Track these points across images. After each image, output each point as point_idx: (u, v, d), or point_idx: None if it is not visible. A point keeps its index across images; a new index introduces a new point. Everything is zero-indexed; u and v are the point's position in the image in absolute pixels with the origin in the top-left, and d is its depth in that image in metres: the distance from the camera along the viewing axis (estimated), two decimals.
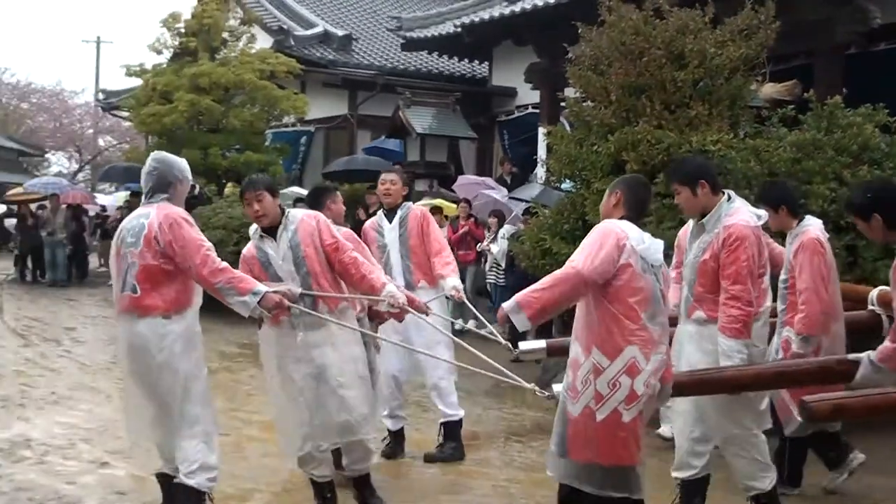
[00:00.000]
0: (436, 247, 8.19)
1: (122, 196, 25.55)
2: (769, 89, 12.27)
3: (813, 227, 6.91)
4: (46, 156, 58.71)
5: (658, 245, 5.37)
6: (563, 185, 12.21)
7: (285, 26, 25.78)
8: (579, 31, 11.53)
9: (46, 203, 24.41)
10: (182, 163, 6.26)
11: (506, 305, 5.24)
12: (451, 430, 8.23)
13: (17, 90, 60.31)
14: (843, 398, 5.49)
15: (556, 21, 17.63)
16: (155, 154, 6.31)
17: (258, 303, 5.75)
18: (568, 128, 12.84)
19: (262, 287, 5.82)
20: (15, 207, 27.23)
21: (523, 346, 6.58)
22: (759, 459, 6.14)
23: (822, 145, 9.42)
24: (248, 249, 6.47)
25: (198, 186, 20.29)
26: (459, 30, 22.48)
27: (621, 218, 5.36)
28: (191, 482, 5.89)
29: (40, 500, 6.81)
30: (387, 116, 23.95)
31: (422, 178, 22.58)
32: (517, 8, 21.25)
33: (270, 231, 6.37)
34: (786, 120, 10.25)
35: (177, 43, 22.94)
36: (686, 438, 6.33)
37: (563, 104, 13.30)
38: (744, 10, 10.85)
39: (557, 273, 5.23)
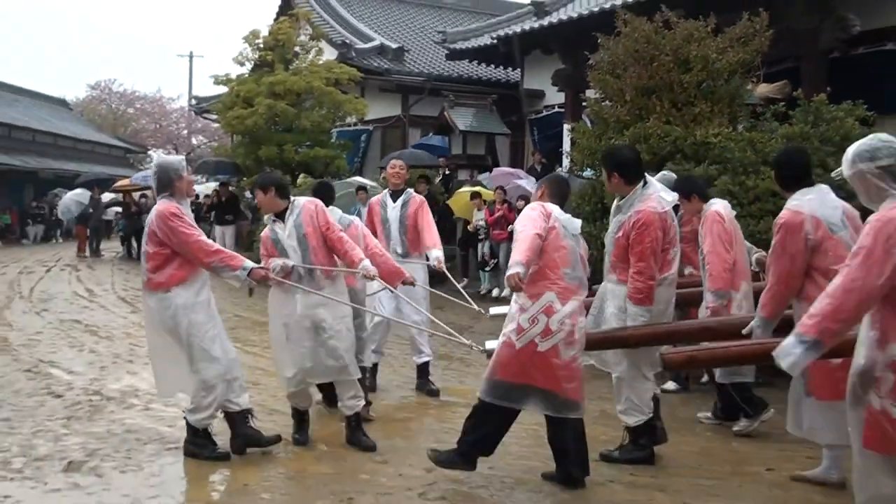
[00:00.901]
0: (426, 227, 8.76)
1: (212, 185, 25.63)
2: (763, 89, 12.18)
3: (716, 205, 7.31)
4: (149, 153, 59.22)
5: (576, 222, 6.01)
6: (585, 174, 12.08)
7: (347, 41, 25.72)
8: (598, 40, 11.48)
9: (148, 193, 24.57)
10: (177, 162, 6.57)
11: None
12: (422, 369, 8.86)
13: (123, 97, 61.15)
14: (694, 351, 6.10)
15: (578, 32, 17.48)
16: (156, 159, 6.67)
17: (248, 275, 6.30)
18: (589, 124, 12.76)
19: (249, 263, 6.36)
20: (121, 196, 27.42)
21: (493, 310, 6.91)
22: (634, 401, 6.37)
23: (809, 137, 9.34)
24: (265, 231, 6.90)
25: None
26: (495, 41, 22.41)
27: None
28: (188, 418, 6.46)
29: (146, 440, 6.86)
30: (434, 116, 23.89)
31: (464, 168, 22.58)
32: (545, 22, 21.16)
33: (280, 215, 6.74)
34: (777, 115, 10.19)
35: (256, 56, 22.99)
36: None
37: (584, 104, 13.21)
38: (741, 21, 10.80)
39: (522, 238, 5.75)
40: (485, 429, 5.87)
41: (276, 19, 25.67)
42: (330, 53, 24.08)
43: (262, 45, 22.79)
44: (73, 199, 27.90)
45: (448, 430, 7.12)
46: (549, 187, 6.21)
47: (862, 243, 4.04)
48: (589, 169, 11.82)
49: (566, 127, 19.49)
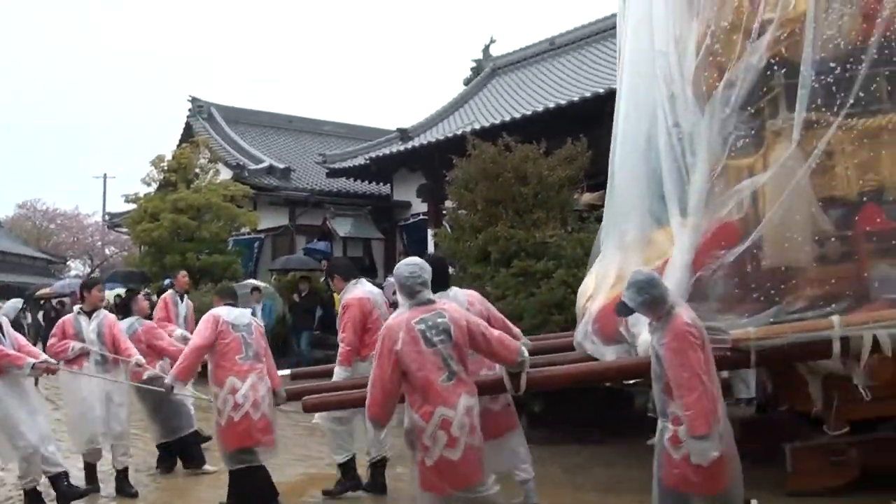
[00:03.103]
0: None
1: (112, 293, 24.91)
2: (587, 198, 12.51)
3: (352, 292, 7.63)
4: (67, 263, 57.86)
5: (244, 316, 6.71)
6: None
7: (241, 162, 25.62)
8: (453, 160, 11.66)
9: (66, 299, 23.78)
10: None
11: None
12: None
13: (46, 215, 59.49)
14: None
15: (437, 154, 17.90)
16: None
17: (32, 367, 6.79)
18: (449, 229, 12.94)
19: (31, 360, 6.82)
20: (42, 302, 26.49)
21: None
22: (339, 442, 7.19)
23: None
24: (68, 318, 7.81)
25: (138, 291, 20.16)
26: (368, 162, 22.68)
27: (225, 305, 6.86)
28: (19, 483, 7.10)
29: None
30: (317, 225, 23.96)
31: None
32: (409, 146, 21.61)
33: (89, 313, 7.77)
34: (598, 218, 10.32)
35: (161, 177, 22.64)
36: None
37: (444, 212, 13.41)
38: (566, 145, 11.12)
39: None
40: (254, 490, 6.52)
41: (178, 145, 25.38)
42: (226, 173, 23.90)
43: (166, 168, 22.45)
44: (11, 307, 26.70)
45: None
46: (338, 272, 7.59)
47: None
48: (450, 267, 11.95)
49: (430, 232, 19.78)
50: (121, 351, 7.67)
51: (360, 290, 7.25)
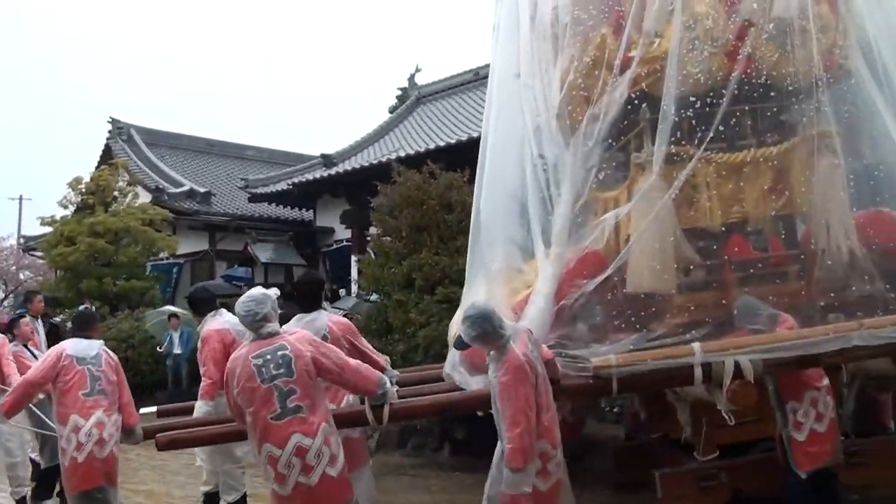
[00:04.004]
0: None
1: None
2: None
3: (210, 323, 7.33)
4: None
5: (92, 349, 6.11)
6: (371, 297, 12.28)
7: (161, 185, 25.27)
8: (378, 187, 11.76)
9: None
10: None
11: None
12: None
13: None
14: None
15: (361, 180, 17.97)
16: None
17: None
18: (373, 256, 13.00)
19: None
20: None
21: None
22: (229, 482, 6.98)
23: None
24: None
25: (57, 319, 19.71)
26: (291, 187, 22.62)
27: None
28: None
29: None
30: (238, 250, 23.76)
31: None
32: (332, 171, 21.64)
33: None
34: None
35: (79, 199, 22.25)
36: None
37: (368, 239, 13.49)
38: None
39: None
40: None
41: (97, 167, 24.95)
42: (145, 197, 23.58)
43: (84, 190, 22.11)
44: None
45: None
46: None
47: None
48: (374, 293, 11.99)
49: (353, 258, 19.79)
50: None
51: (219, 321, 6.99)
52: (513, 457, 4.86)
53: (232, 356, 5.02)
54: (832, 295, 6.28)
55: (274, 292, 5.16)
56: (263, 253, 23.29)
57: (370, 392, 5.31)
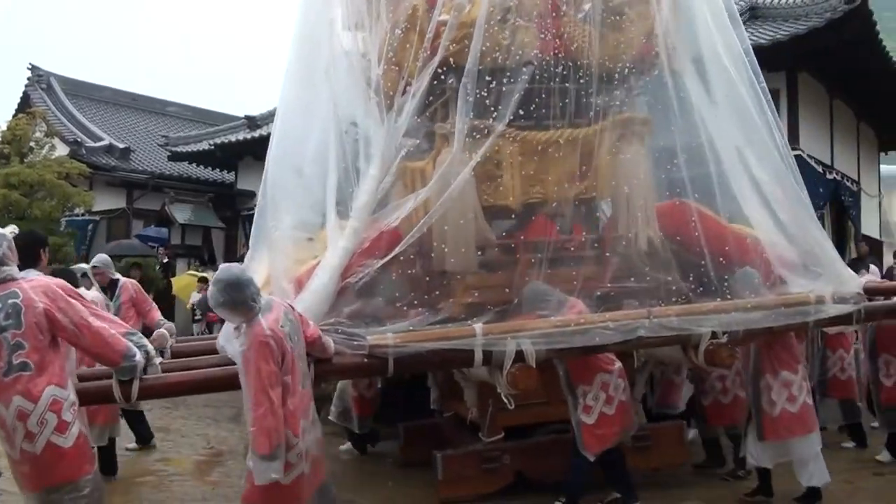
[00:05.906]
0: None
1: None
2: None
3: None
4: None
5: None
6: None
7: (79, 139, 25.09)
8: None
9: None
10: None
11: None
12: None
13: None
14: None
15: None
16: None
17: None
18: None
19: None
20: None
21: None
22: None
23: None
24: None
25: None
26: (213, 148, 22.57)
27: None
28: None
29: None
30: (155, 210, 23.67)
31: (182, 257, 22.52)
32: (256, 134, 21.66)
33: None
34: None
35: None
36: None
37: None
38: None
39: None
40: None
41: (14, 115, 24.48)
42: (62, 149, 23.39)
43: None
44: None
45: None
46: None
47: None
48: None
49: None
50: None
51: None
52: (258, 441, 4.41)
53: None
54: (631, 280, 6.40)
55: (11, 230, 4.64)
56: (181, 214, 23.26)
57: (113, 362, 4.69)
